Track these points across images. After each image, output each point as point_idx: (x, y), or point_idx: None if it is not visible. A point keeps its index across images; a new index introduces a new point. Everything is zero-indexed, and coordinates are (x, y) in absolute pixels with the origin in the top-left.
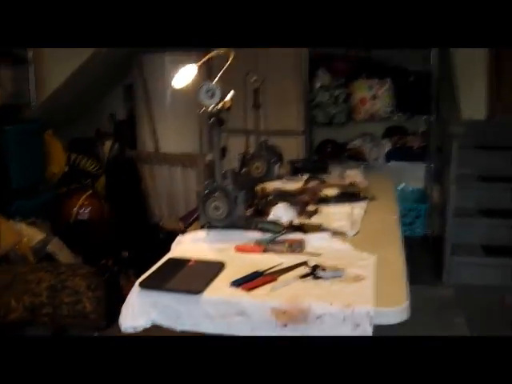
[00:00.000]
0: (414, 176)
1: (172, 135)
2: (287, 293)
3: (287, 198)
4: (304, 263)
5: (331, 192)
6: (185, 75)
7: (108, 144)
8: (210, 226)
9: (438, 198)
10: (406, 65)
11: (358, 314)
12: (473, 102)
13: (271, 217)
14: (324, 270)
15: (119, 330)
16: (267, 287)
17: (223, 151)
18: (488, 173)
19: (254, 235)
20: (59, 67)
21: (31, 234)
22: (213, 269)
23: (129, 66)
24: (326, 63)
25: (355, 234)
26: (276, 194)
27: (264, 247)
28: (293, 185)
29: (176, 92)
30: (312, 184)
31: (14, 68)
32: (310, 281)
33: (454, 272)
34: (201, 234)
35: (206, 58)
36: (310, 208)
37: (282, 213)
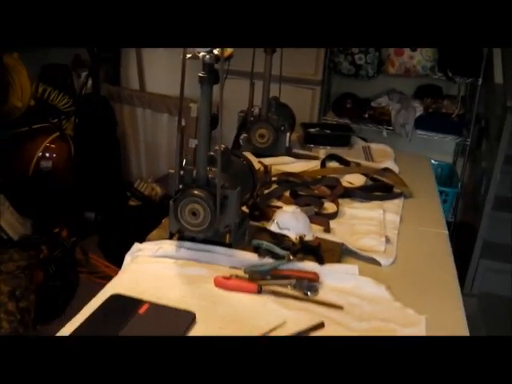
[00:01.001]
0: (443, 149)
1: (162, 73)
2: None
3: (297, 187)
4: (319, 326)
5: (356, 179)
6: None
7: (84, 76)
8: (183, 236)
9: (470, 182)
10: None
11: None
12: None
13: (274, 227)
14: None
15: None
16: None
17: (213, 121)
18: None
19: (246, 257)
20: None
21: None
22: (176, 324)
23: None
24: None
25: (390, 264)
26: (283, 180)
27: (258, 285)
28: (306, 165)
29: None
30: (332, 168)
31: None
32: None
33: (480, 278)
34: (168, 247)
35: None
36: (328, 206)
37: (289, 222)
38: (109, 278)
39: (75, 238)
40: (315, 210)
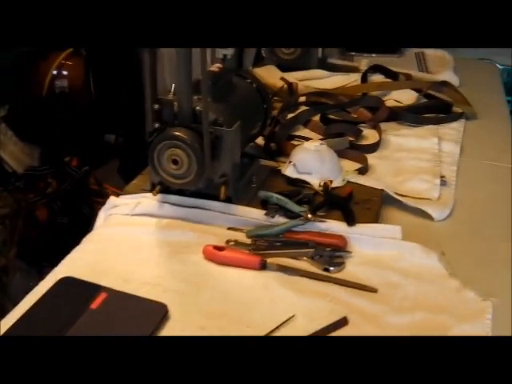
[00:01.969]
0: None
1: None
2: None
3: (329, 111)
4: (341, 324)
5: (405, 97)
6: None
7: None
8: (168, 187)
9: None
10: None
11: None
12: None
13: (290, 171)
14: None
15: None
16: None
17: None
18: None
19: (250, 215)
20: None
21: None
22: (140, 322)
23: None
24: None
25: (447, 217)
26: (312, 101)
27: (261, 258)
28: (343, 79)
29: None
30: (374, 83)
31: None
32: None
33: None
34: (149, 202)
35: None
36: (369, 135)
37: (311, 163)
38: None
39: (88, 167)
40: (351, 140)
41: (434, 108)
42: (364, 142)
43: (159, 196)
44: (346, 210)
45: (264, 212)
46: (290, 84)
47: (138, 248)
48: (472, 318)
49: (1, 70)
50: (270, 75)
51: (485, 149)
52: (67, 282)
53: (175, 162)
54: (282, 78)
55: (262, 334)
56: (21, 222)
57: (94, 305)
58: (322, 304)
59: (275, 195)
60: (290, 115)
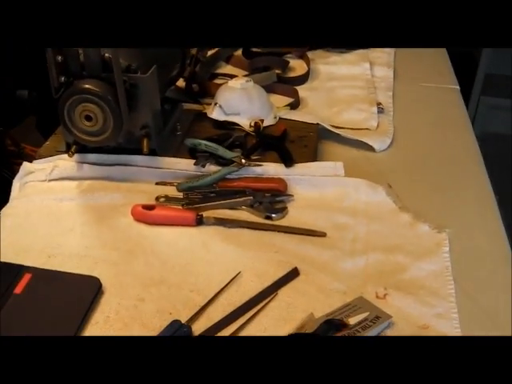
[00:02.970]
0: None
1: None
2: None
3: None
4: (294, 274)
5: None
6: None
7: None
8: (85, 146)
9: None
10: None
11: None
12: None
13: (217, 113)
14: (342, 324)
15: None
16: None
17: None
18: None
19: (178, 166)
20: None
21: None
22: (73, 301)
23: None
24: None
25: (389, 147)
26: None
27: (196, 213)
28: None
29: None
30: None
31: None
32: None
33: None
34: (66, 164)
35: None
36: (296, 66)
37: (238, 103)
38: None
39: (2, 128)
40: (278, 73)
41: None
42: (292, 74)
43: (76, 156)
44: (282, 151)
45: (193, 162)
46: None
47: (60, 217)
48: (429, 254)
49: None
50: None
51: (419, 70)
52: None
53: (89, 118)
54: None
55: (208, 297)
56: None
57: (19, 289)
58: (269, 256)
59: (203, 142)
60: (210, 52)
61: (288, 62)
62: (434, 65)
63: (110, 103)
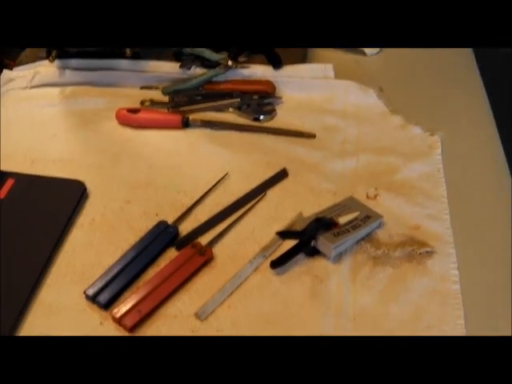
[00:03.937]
0: None
1: None
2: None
3: None
4: (282, 174)
5: None
6: None
7: None
8: (66, 51)
9: None
10: None
11: None
12: None
13: None
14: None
15: None
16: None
17: None
18: None
19: (163, 69)
20: None
21: None
22: (57, 207)
23: None
24: None
25: (380, 51)
26: None
27: (182, 115)
28: None
29: None
30: None
31: None
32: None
33: None
34: (47, 70)
35: None
36: None
37: None
38: None
39: None
40: None
41: None
42: None
43: (58, 62)
44: (270, 52)
45: (179, 64)
46: None
47: (43, 123)
48: (421, 156)
49: None
50: None
51: None
52: None
53: None
54: None
55: (195, 198)
56: None
57: (2, 194)
58: (257, 157)
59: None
60: None
61: None
62: None
63: None
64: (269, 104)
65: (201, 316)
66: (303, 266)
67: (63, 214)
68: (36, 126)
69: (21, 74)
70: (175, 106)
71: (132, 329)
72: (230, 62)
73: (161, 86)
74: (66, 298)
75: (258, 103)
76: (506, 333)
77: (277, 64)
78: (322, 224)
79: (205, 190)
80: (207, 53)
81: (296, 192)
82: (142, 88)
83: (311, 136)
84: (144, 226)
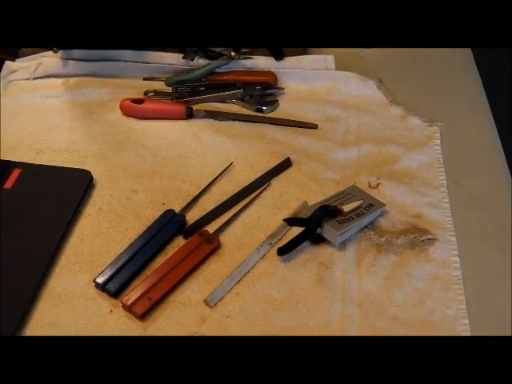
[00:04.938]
0: None
1: None
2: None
3: None
4: (286, 164)
5: None
6: None
7: None
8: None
9: None
10: None
11: None
12: None
13: None
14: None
15: None
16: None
17: None
18: None
19: (166, 60)
20: None
21: None
22: (64, 196)
23: None
24: None
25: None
26: None
27: (186, 106)
28: None
29: None
30: None
31: None
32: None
33: None
34: (50, 61)
35: None
36: None
37: None
38: None
39: None
40: None
41: None
42: None
43: (61, 53)
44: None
45: (182, 55)
46: None
47: (47, 114)
48: (421, 146)
49: None
50: None
51: None
52: None
53: None
54: None
55: (201, 188)
56: None
57: (9, 184)
58: (261, 147)
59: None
60: None
61: None
62: None
63: None
64: (271, 95)
65: (210, 303)
66: (309, 254)
67: (71, 203)
68: (40, 117)
69: (24, 65)
70: (179, 97)
71: (143, 316)
72: (232, 53)
73: (164, 77)
74: (75, 287)
75: (261, 94)
76: (507, 318)
77: (279, 55)
78: (328, 212)
79: (210, 180)
80: None
81: (300, 181)
82: (145, 79)
83: (313, 126)
84: (151, 214)
